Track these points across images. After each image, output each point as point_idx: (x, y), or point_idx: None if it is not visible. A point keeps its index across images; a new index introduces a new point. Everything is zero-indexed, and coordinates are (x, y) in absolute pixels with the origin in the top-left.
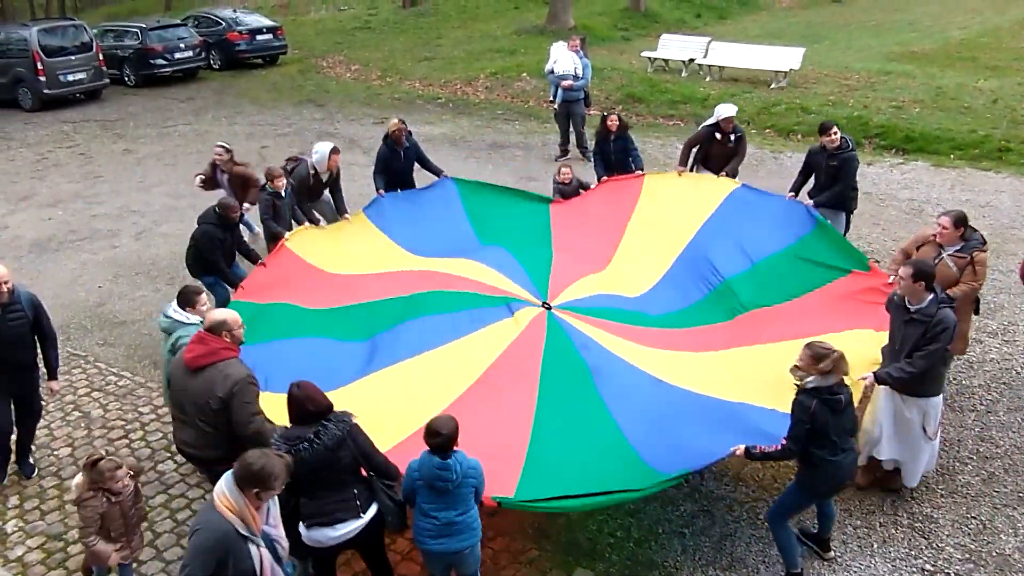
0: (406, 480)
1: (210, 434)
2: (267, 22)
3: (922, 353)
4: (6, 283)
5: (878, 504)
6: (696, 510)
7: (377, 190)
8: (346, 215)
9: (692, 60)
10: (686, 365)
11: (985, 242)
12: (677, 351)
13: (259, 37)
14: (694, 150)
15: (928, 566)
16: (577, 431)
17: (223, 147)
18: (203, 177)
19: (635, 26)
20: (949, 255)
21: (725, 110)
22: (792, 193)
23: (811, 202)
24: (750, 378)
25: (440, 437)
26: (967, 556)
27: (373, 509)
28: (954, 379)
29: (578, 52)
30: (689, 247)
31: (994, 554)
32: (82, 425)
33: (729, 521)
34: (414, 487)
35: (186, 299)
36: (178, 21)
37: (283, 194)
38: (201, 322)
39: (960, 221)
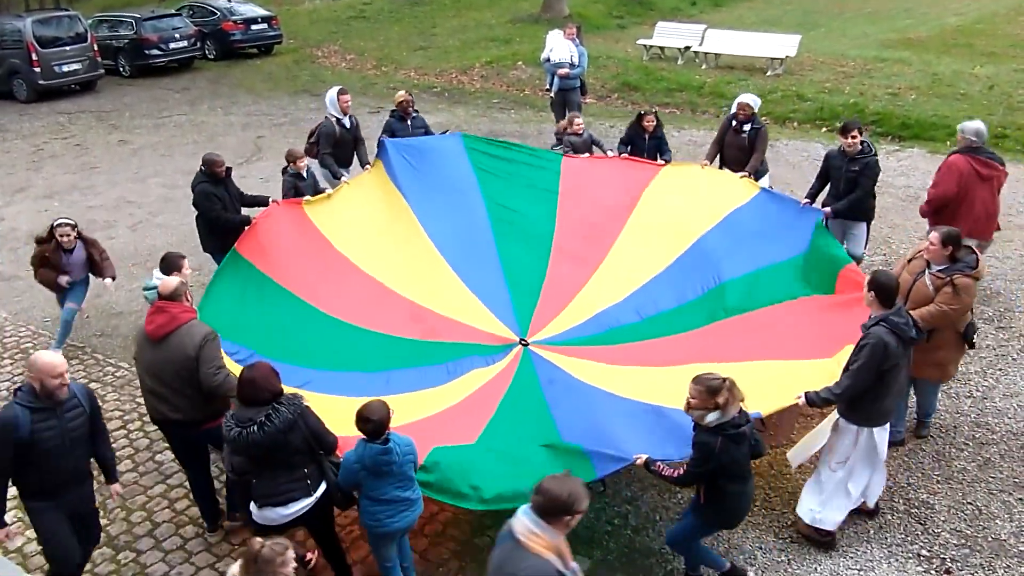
0: (345, 473)
1: (192, 396)
2: (262, 12)
3: (847, 373)
4: (62, 376)
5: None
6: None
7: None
8: (368, 166)
9: (688, 48)
10: (642, 379)
11: (976, 268)
12: (640, 367)
13: (254, 27)
14: (720, 145)
15: (924, 551)
16: (521, 431)
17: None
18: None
19: (630, 14)
20: (930, 273)
21: (743, 97)
22: (808, 200)
23: (827, 210)
24: None
25: (371, 423)
26: (963, 541)
27: (323, 487)
28: None
29: (574, 40)
30: (696, 245)
31: (990, 539)
32: None
33: None
34: (356, 478)
35: (171, 264)
36: (173, 11)
37: (304, 175)
38: None
39: (949, 239)
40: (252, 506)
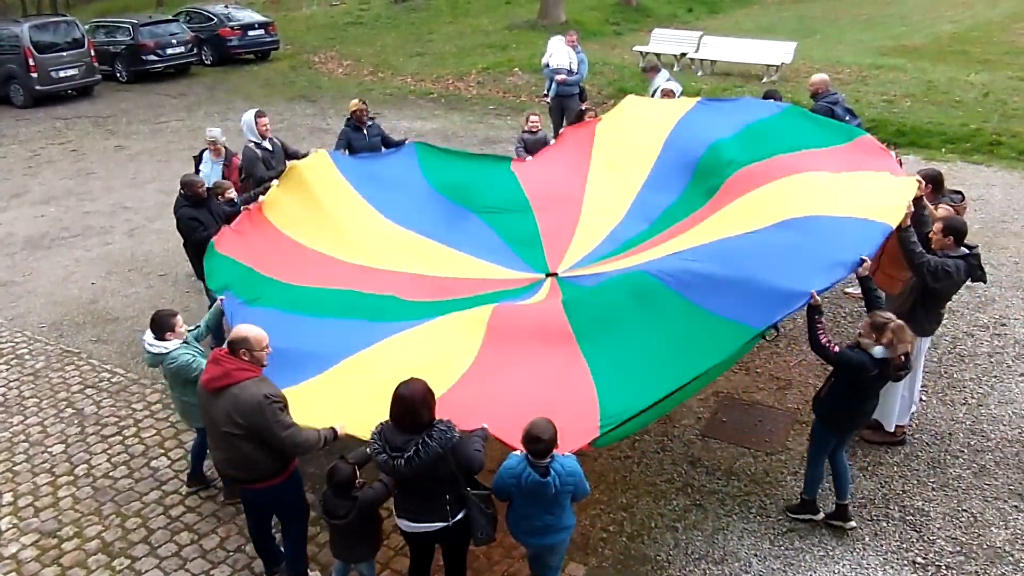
0: (501, 482)
1: (242, 457)
2: (259, 18)
3: (934, 268)
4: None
5: (869, 497)
6: (688, 504)
7: None
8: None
9: (684, 54)
10: (699, 231)
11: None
12: (682, 233)
13: (251, 33)
14: None
15: (919, 559)
16: (634, 326)
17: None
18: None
19: (627, 20)
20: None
21: (667, 84)
22: None
23: None
24: (770, 208)
25: (541, 443)
26: (958, 549)
27: (460, 515)
28: (945, 372)
29: (575, 47)
30: (664, 148)
31: (985, 547)
32: (75, 422)
33: (721, 515)
34: (510, 491)
35: (160, 327)
36: (170, 17)
37: (235, 201)
38: (185, 342)
39: (929, 179)
40: (393, 511)
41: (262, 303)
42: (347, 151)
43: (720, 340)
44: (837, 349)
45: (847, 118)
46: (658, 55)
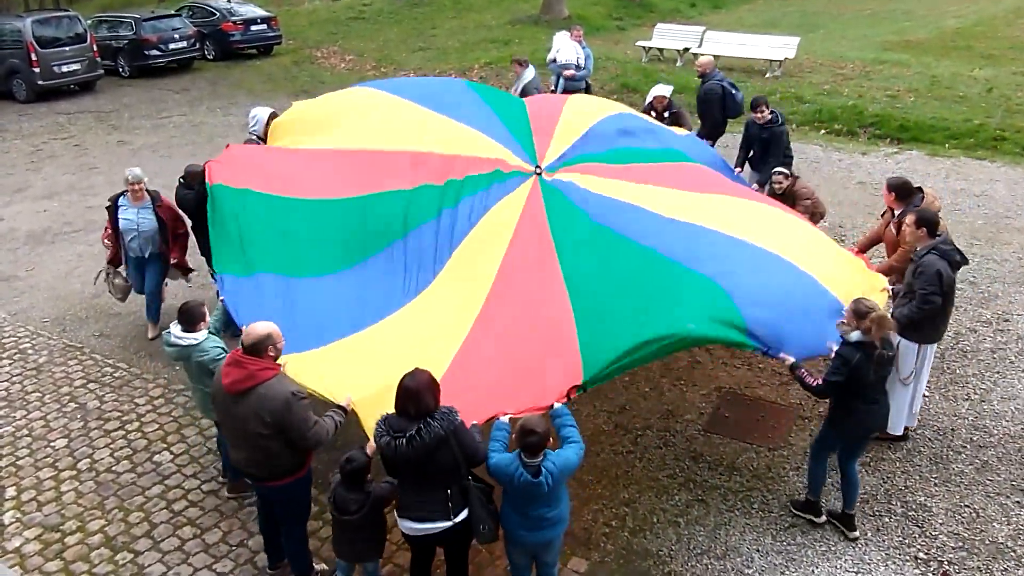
0: (495, 474)
1: (264, 455)
2: (261, 12)
3: (915, 299)
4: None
5: (871, 492)
6: (691, 499)
7: None
8: None
9: (687, 49)
10: (699, 204)
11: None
12: (677, 189)
13: (253, 27)
14: None
15: (921, 554)
16: (619, 279)
17: None
18: None
19: (630, 15)
20: (894, 221)
21: (657, 90)
22: (739, 168)
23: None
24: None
25: (535, 436)
26: (960, 544)
27: (464, 514)
28: (948, 368)
29: (581, 42)
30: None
31: (987, 542)
32: (78, 416)
33: (723, 510)
34: (502, 483)
35: (192, 317)
36: (172, 12)
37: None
38: (210, 332)
39: (895, 187)
40: (397, 510)
41: (259, 267)
42: None
43: (710, 309)
44: (821, 380)
45: (733, 91)
46: (661, 50)
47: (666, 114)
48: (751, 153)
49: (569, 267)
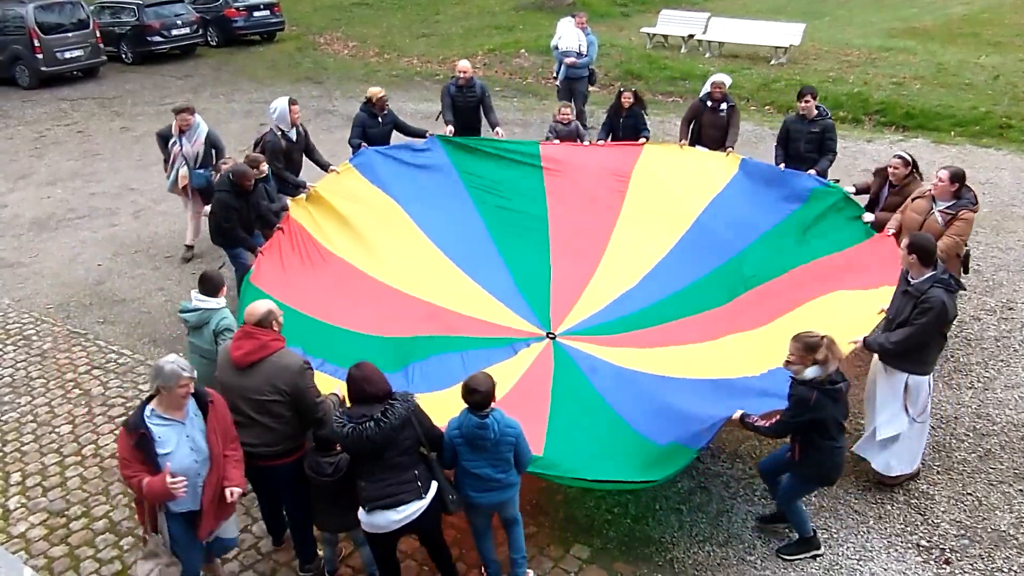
0: (446, 438)
1: (274, 429)
2: None
3: (908, 328)
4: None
5: (874, 480)
6: (693, 486)
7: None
8: (333, 168)
9: (691, 36)
10: (687, 357)
11: (976, 203)
12: (679, 345)
13: (256, 14)
14: (691, 125)
15: (923, 542)
16: (584, 425)
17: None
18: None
19: (634, 2)
20: (939, 210)
21: (716, 77)
22: (783, 164)
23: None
24: (752, 357)
25: (478, 394)
26: (962, 532)
27: (433, 489)
28: (952, 356)
29: (584, 29)
30: (697, 223)
31: (989, 530)
32: (83, 403)
33: (726, 497)
34: (454, 445)
35: (214, 284)
36: None
37: (269, 176)
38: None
39: (956, 177)
40: (361, 513)
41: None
42: (361, 139)
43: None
44: (774, 420)
45: None
46: (665, 37)
47: (722, 105)
48: (790, 151)
49: (555, 415)
